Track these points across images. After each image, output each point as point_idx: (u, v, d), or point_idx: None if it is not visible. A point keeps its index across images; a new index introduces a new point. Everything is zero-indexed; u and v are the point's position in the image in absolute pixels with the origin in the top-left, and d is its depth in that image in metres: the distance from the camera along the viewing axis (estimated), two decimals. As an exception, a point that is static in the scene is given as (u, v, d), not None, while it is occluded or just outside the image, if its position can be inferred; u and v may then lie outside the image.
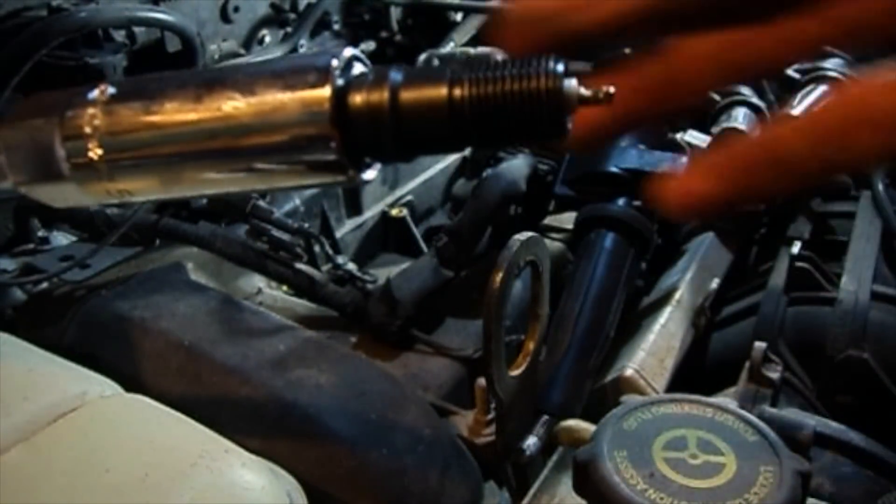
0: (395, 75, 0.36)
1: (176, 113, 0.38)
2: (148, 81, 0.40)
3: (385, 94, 0.35)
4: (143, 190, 0.41)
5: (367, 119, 0.36)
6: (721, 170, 0.30)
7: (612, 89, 0.33)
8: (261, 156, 0.37)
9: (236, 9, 1.18)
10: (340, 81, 0.36)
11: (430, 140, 0.36)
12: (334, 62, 0.36)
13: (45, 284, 0.86)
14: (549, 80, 0.33)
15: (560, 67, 0.34)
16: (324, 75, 0.36)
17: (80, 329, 0.77)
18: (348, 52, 0.37)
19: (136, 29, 1.00)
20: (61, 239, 0.97)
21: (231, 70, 0.39)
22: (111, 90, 0.40)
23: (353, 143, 0.36)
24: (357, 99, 0.36)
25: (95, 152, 0.39)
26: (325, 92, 0.36)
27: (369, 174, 0.39)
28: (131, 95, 0.39)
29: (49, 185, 0.42)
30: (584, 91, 0.34)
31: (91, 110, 0.39)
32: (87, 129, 0.39)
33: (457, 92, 0.35)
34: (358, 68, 0.38)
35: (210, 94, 0.37)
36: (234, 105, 0.37)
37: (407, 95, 0.36)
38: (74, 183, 0.41)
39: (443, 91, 0.35)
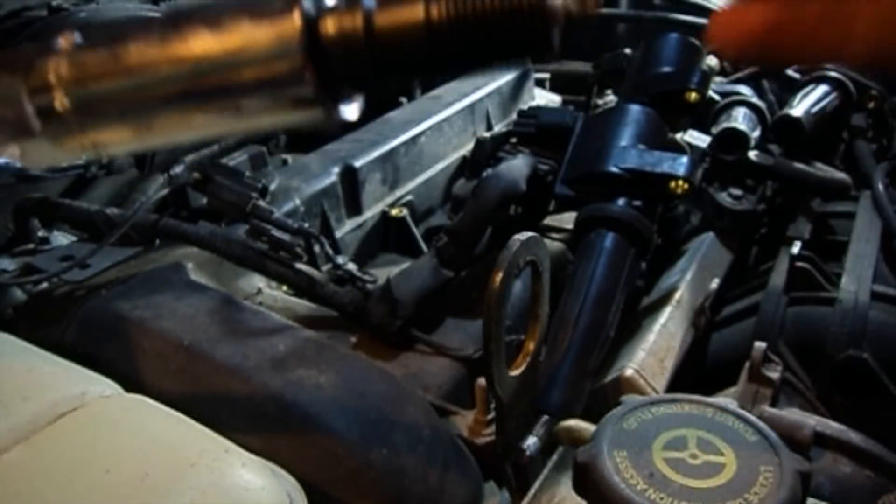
0: None
1: (142, 56, 0.36)
2: (115, 26, 0.39)
3: (358, 20, 0.34)
4: (117, 142, 0.39)
5: (341, 47, 0.34)
6: (777, 9, 0.28)
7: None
8: (233, 95, 0.36)
9: (236, 9, 1.17)
10: (311, 9, 0.34)
11: (408, 64, 0.35)
12: None
13: (45, 284, 0.86)
14: None
15: None
16: (291, 2, 0.34)
17: (80, 329, 0.77)
18: None
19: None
20: (61, 239, 0.97)
21: (198, 6, 0.37)
22: (77, 39, 0.38)
23: (328, 74, 0.35)
24: (329, 27, 0.34)
25: (62, 102, 0.38)
26: (295, 21, 0.34)
27: (350, 111, 0.37)
28: (96, 42, 0.38)
29: (24, 143, 0.40)
30: (569, 2, 0.32)
31: (56, 60, 0.38)
32: (53, 79, 0.38)
33: (434, 11, 0.33)
34: None
35: (176, 32, 0.35)
36: (199, 43, 0.35)
37: (382, 19, 0.34)
38: (47, 139, 0.39)
39: (419, 11, 0.33)
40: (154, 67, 0.36)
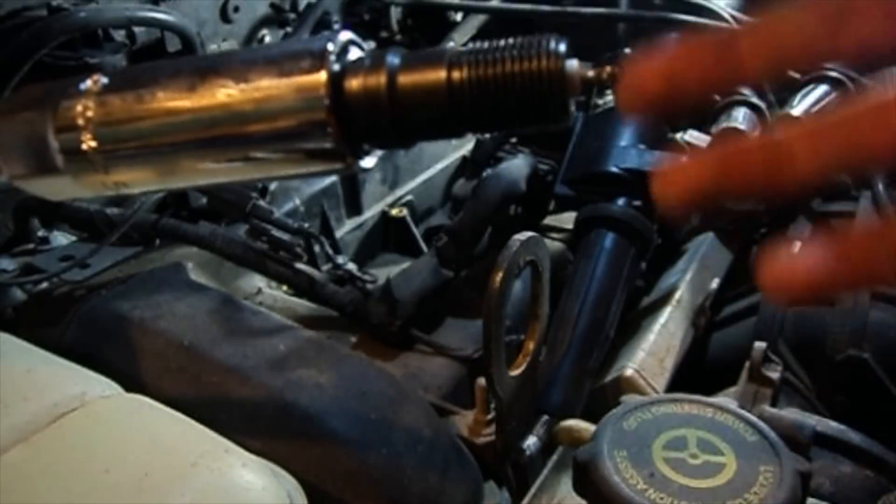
0: (393, 59, 0.35)
1: (169, 102, 0.37)
2: (141, 70, 0.40)
3: (382, 79, 0.35)
4: (140, 181, 0.40)
5: (364, 104, 0.35)
6: (717, 164, 0.29)
7: (617, 70, 0.32)
8: (257, 144, 0.37)
9: (236, 9, 1.18)
10: (336, 66, 0.35)
11: (429, 124, 0.35)
12: (330, 46, 0.35)
13: (45, 284, 0.86)
14: (551, 61, 0.32)
15: (562, 48, 0.33)
16: (319, 60, 0.35)
17: (80, 329, 0.77)
18: (344, 35, 0.36)
19: (136, 29, 1.00)
20: (61, 239, 0.97)
21: (225, 57, 0.38)
22: (104, 80, 0.39)
23: (350, 130, 0.35)
24: (354, 84, 0.35)
25: (89, 144, 0.39)
26: (321, 77, 0.35)
27: (368, 162, 0.38)
28: (124, 85, 0.38)
29: (44, 178, 0.41)
30: (587, 72, 0.33)
31: (84, 101, 0.39)
32: (80, 121, 0.39)
33: (455, 74, 0.34)
34: (354, 52, 0.37)
35: (203, 82, 0.36)
36: (227, 93, 0.36)
37: (405, 79, 0.35)
38: (69, 176, 0.40)
39: (441, 74, 0.34)
40: (181, 115, 0.37)
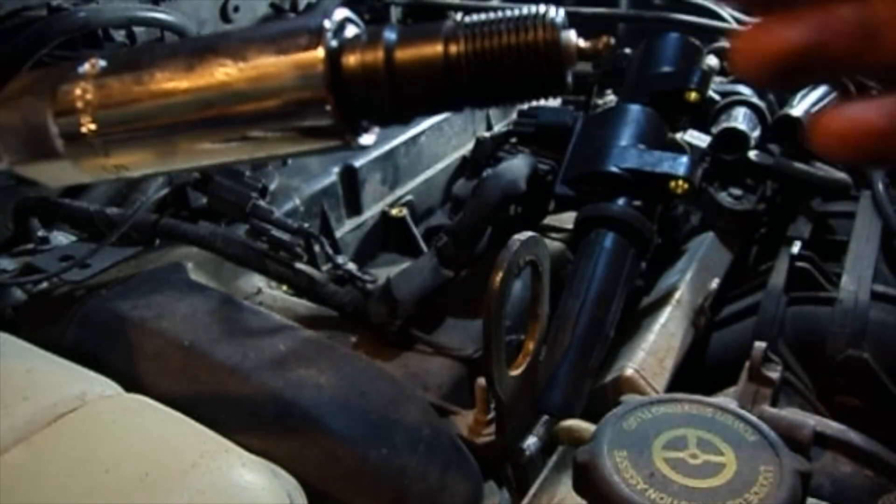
0: (390, 34, 0.35)
1: (167, 83, 0.37)
2: (139, 52, 0.40)
3: (380, 54, 0.35)
4: (139, 164, 0.40)
5: (362, 80, 0.35)
6: (809, 26, 0.26)
7: (612, 41, 0.32)
8: (256, 123, 0.37)
9: (236, 9, 1.18)
10: (334, 43, 0.35)
11: (427, 99, 0.35)
12: (327, 23, 0.35)
13: (45, 284, 0.86)
14: (547, 32, 0.33)
15: (558, 18, 0.33)
16: (316, 37, 0.35)
17: (80, 329, 0.77)
18: (341, 12, 0.36)
19: (136, 29, 1.00)
20: (61, 239, 0.97)
21: (222, 37, 0.38)
22: (102, 63, 0.39)
23: (348, 106, 0.35)
24: (351, 60, 0.35)
25: (88, 127, 0.38)
26: (319, 54, 0.35)
27: (367, 139, 0.38)
28: (122, 68, 0.38)
29: (45, 163, 0.41)
30: (582, 43, 0.33)
31: (82, 84, 0.39)
32: (79, 104, 0.38)
33: (452, 48, 0.34)
34: (351, 30, 0.37)
35: (201, 62, 0.36)
36: (225, 72, 0.36)
37: (402, 54, 0.35)
38: (70, 160, 0.40)
39: (438, 48, 0.34)
40: (180, 95, 0.37)
